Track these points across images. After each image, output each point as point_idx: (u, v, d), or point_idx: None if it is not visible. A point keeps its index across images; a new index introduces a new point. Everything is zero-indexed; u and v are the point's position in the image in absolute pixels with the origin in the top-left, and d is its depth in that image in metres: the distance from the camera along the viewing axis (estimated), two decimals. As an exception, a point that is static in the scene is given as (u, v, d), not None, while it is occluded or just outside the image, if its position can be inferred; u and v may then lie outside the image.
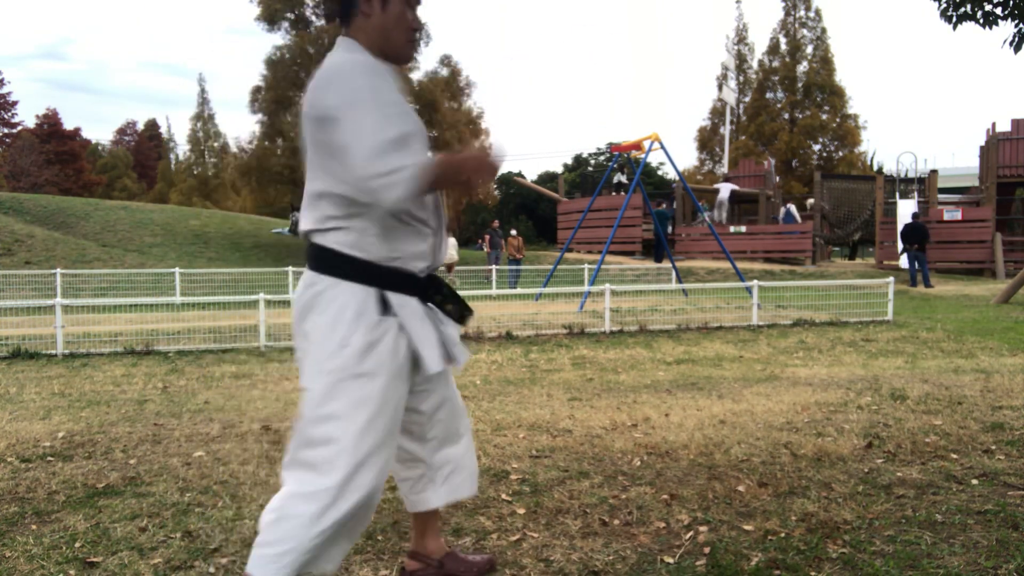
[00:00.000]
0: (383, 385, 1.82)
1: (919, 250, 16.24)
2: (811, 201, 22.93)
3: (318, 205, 1.86)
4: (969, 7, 4.02)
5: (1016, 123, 20.37)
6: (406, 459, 2.13)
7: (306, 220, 1.88)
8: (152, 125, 69.09)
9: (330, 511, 1.76)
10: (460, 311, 2.01)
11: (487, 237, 20.02)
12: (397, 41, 1.92)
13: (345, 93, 1.75)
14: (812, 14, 39.64)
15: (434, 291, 1.96)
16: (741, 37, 43.45)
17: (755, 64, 42.33)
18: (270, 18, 26.75)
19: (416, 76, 28.28)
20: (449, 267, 17.47)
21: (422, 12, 2.03)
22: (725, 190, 22.14)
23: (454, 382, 2.17)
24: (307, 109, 1.79)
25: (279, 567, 1.76)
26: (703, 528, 2.64)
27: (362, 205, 1.79)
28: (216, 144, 56.29)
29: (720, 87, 41.45)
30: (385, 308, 1.84)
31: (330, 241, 1.84)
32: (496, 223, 20.43)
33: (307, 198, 1.88)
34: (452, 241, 17.55)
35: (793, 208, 21.97)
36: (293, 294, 1.91)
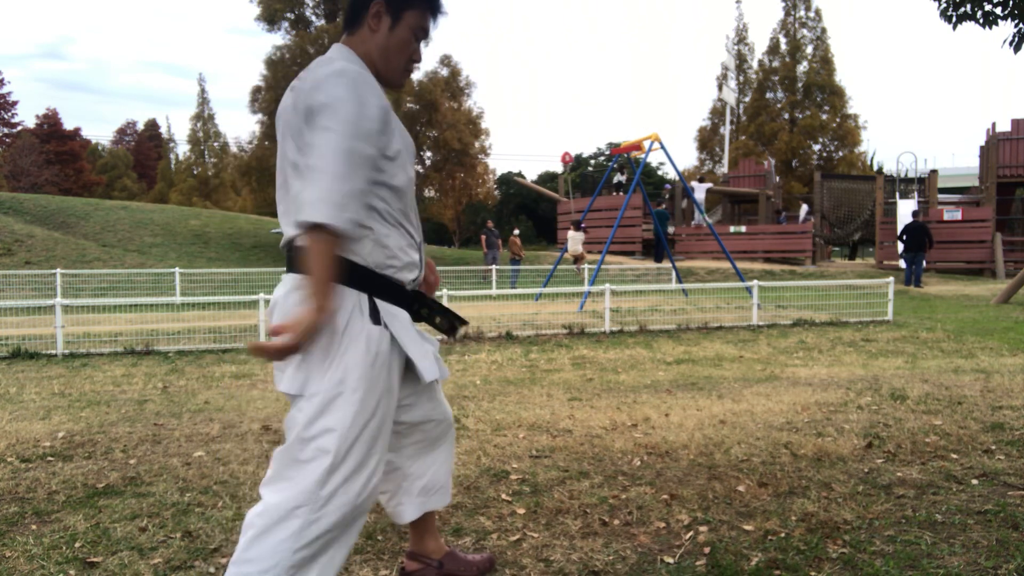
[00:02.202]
0: (376, 396, 1.77)
1: (918, 250, 16.26)
2: (805, 207, 23.03)
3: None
4: (969, 7, 4.02)
5: (1016, 123, 20.38)
6: (386, 470, 2.09)
7: (289, 224, 1.80)
8: (152, 125, 69.12)
9: (314, 525, 1.69)
10: (450, 322, 2.01)
11: (483, 237, 20.05)
12: (394, 65, 1.92)
13: (335, 105, 1.69)
14: (812, 14, 39.62)
15: (420, 304, 1.94)
16: (741, 37, 43.45)
17: (755, 64, 42.33)
18: (270, 18, 26.76)
19: (416, 76, 28.27)
20: (577, 259, 17.28)
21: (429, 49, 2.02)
22: (700, 190, 22.19)
23: (441, 396, 2.15)
24: (306, 104, 1.71)
25: None
26: (703, 528, 2.64)
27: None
28: (216, 144, 56.34)
29: (720, 87, 41.44)
30: (375, 317, 1.78)
31: None
32: (491, 223, 20.43)
33: (285, 198, 1.82)
34: (580, 235, 17.29)
35: (806, 208, 22.23)
36: (274, 295, 1.85)
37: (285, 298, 1.79)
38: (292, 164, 1.76)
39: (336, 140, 1.64)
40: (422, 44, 1.95)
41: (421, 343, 1.89)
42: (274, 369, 1.84)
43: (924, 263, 17.12)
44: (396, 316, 1.82)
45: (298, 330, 1.60)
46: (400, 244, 1.85)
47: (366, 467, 1.76)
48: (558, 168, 31.91)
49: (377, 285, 1.80)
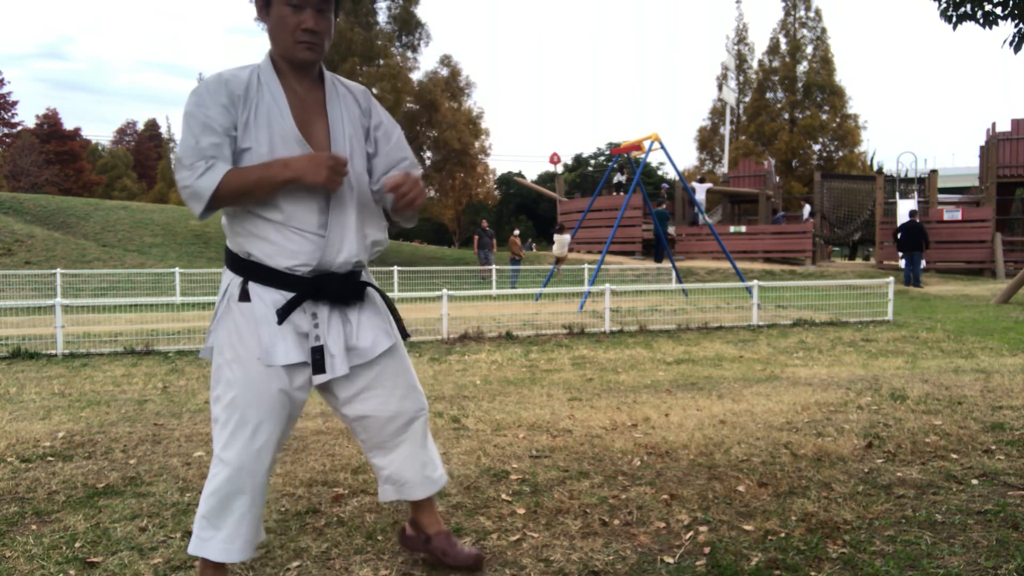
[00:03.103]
0: (243, 367, 1.95)
1: (914, 249, 16.28)
2: (807, 207, 23.06)
3: None
4: (969, 7, 4.02)
5: (1016, 123, 20.38)
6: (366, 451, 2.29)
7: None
8: (152, 125, 69.13)
9: (212, 480, 1.99)
10: (348, 300, 2.06)
11: (476, 237, 20.08)
12: (283, 43, 1.98)
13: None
14: (812, 14, 39.64)
15: (318, 291, 1.99)
16: (741, 37, 43.46)
17: (755, 64, 42.34)
18: (270, 18, 26.71)
19: (416, 76, 28.30)
20: (559, 260, 18.02)
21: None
22: (700, 190, 22.23)
23: (406, 401, 2.17)
24: None
25: (193, 535, 2.03)
26: (703, 528, 2.64)
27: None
28: (216, 144, 56.29)
29: (720, 87, 41.44)
30: (245, 297, 1.98)
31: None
32: (485, 223, 20.45)
33: None
34: (566, 238, 18.11)
35: (808, 207, 22.30)
36: None
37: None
38: None
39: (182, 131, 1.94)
40: (308, 11, 1.93)
41: (277, 328, 1.96)
42: None
43: (924, 263, 17.13)
44: (261, 296, 1.98)
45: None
46: (266, 234, 1.97)
47: (243, 431, 1.96)
48: (558, 168, 31.89)
49: (249, 270, 1.99)
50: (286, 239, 1.97)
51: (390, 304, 2.23)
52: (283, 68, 2.02)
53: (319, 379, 2.02)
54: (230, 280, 2.02)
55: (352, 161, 2.03)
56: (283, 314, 1.96)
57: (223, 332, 1.99)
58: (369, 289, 2.14)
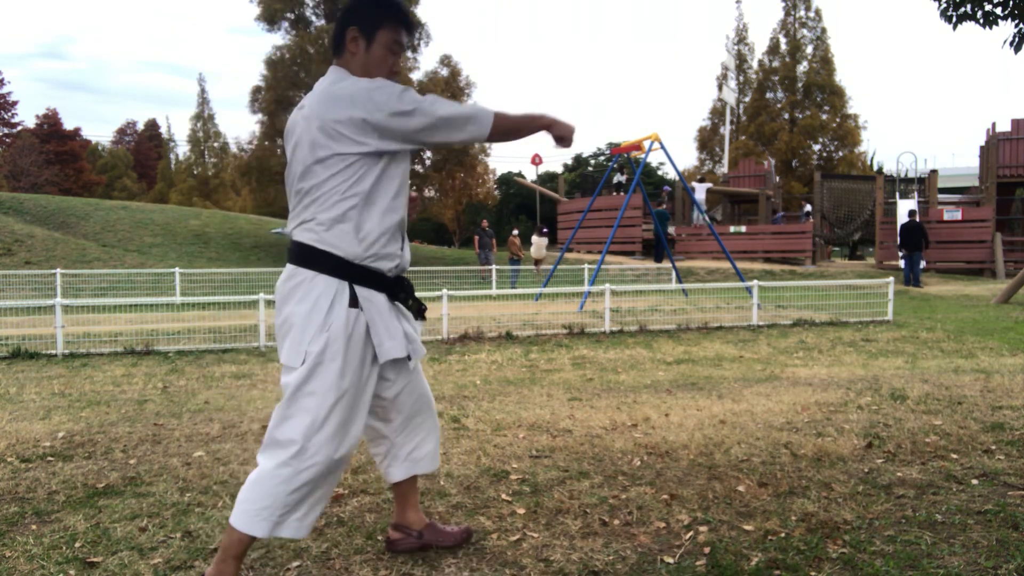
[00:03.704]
0: (355, 369, 2.10)
1: (914, 249, 16.28)
2: (808, 207, 23.08)
3: (305, 204, 2.12)
4: (969, 7, 4.01)
5: (1016, 123, 20.37)
6: (375, 437, 2.42)
7: (292, 219, 2.17)
8: (152, 125, 69.14)
9: (301, 474, 2.05)
10: (419, 305, 2.29)
11: (476, 238, 20.11)
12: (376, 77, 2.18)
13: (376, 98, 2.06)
14: (812, 14, 39.61)
15: (399, 290, 2.21)
16: (741, 37, 43.44)
17: (755, 64, 42.31)
18: (270, 18, 26.76)
19: (416, 76, 28.29)
20: (538, 262, 18.66)
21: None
22: (700, 190, 22.24)
23: (422, 377, 2.41)
24: (324, 114, 2.05)
25: (259, 520, 2.05)
26: (703, 528, 2.64)
27: (345, 206, 2.07)
28: (216, 144, 56.32)
29: (720, 87, 41.44)
30: (354, 301, 2.10)
31: (309, 238, 2.10)
32: (485, 223, 20.48)
33: (295, 197, 2.16)
34: (544, 241, 18.83)
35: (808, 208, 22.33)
36: (277, 283, 2.20)
37: (283, 285, 2.15)
38: (307, 166, 2.08)
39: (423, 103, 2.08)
40: (399, 56, 2.23)
41: (389, 325, 2.16)
42: (277, 343, 2.18)
43: (923, 263, 17.13)
44: (371, 300, 2.13)
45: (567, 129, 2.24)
46: (378, 238, 2.13)
47: (343, 427, 2.09)
48: (558, 168, 31.92)
49: (356, 273, 2.11)
50: (395, 241, 2.18)
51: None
52: None
53: (409, 364, 2.29)
54: (333, 285, 2.08)
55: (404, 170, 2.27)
56: (397, 313, 2.20)
57: (329, 336, 2.05)
58: None
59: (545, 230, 19.52)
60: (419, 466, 2.42)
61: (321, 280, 2.08)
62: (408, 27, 2.22)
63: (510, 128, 2.17)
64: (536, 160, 28.89)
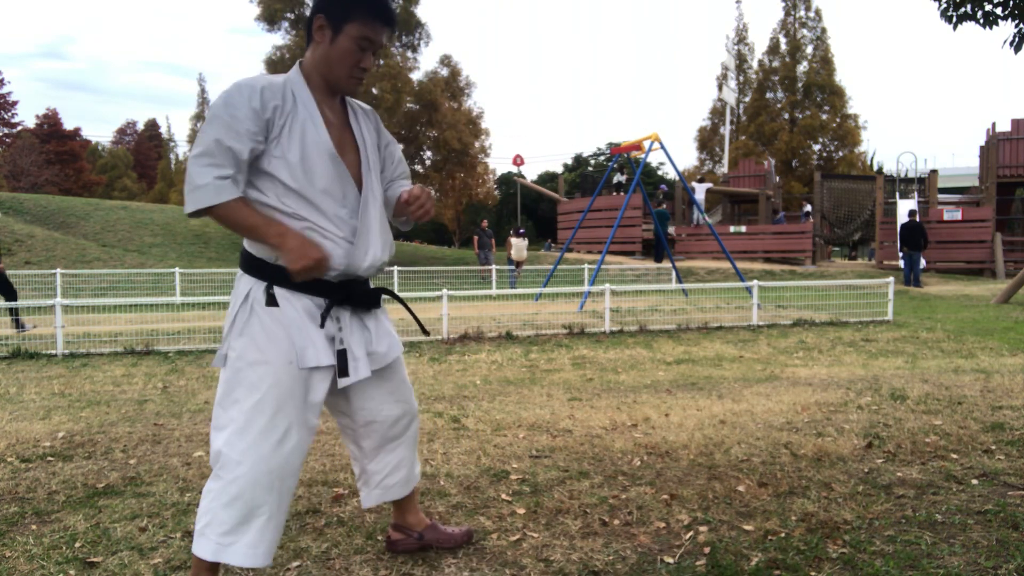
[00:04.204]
0: (273, 370, 1.94)
1: (914, 249, 16.28)
2: (808, 207, 23.10)
3: None
4: (969, 7, 4.01)
5: (1016, 123, 20.37)
6: (353, 456, 2.36)
7: None
8: (152, 125, 69.17)
9: (230, 486, 1.92)
10: (372, 296, 2.14)
11: (475, 238, 20.12)
12: (337, 73, 2.06)
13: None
14: (812, 14, 39.61)
15: (346, 297, 2.06)
16: (741, 37, 43.45)
17: (755, 64, 42.31)
18: (270, 18, 26.75)
19: (416, 76, 28.30)
20: (518, 264, 18.51)
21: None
22: (700, 190, 22.25)
23: (405, 398, 2.29)
24: None
25: (205, 540, 1.95)
26: (703, 528, 2.64)
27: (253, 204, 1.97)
28: (216, 144, 56.27)
29: (720, 87, 41.44)
30: (271, 300, 1.98)
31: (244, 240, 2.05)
32: (485, 223, 20.49)
33: None
34: (523, 242, 18.66)
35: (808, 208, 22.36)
36: None
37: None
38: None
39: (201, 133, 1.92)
40: (371, 53, 2.06)
41: (309, 332, 1.99)
42: None
43: (923, 263, 17.12)
44: (291, 302, 1.99)
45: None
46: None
47: (267, 434, 1.94)
48: (558, 168, 31.90)
49: (274, 274, 1.98)
50: (328, 242, 2.02)
51: (407, 305, 2.36)
52: (317, 86, 2.08)
53: (344, 382, 2.06)
54: (251, 285, 2.00)
55: (371, 174, 2.14)
56: (324, 318, 2.01)
57: (246, 338, 1.96)
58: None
59: (522, 231, 19.32)
60: (390, 493, 2.34)
61: (244, 280, 2.02)
62: (387, 22, 2.04)
63: (233, 224, 1.93)
64: (517, 161, 28.86)
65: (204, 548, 1.95)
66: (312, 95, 2.04)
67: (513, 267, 18.29)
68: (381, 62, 25.63)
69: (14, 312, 9.07)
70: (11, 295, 9.30)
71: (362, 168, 2.12)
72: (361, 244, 2.07)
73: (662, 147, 13.09)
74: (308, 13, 2.05)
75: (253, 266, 2.01)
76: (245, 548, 1.95)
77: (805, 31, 39.74)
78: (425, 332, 2.44)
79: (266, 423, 1.94)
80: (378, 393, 2.21)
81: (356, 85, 2.10)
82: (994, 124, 20.92)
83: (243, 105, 1.90)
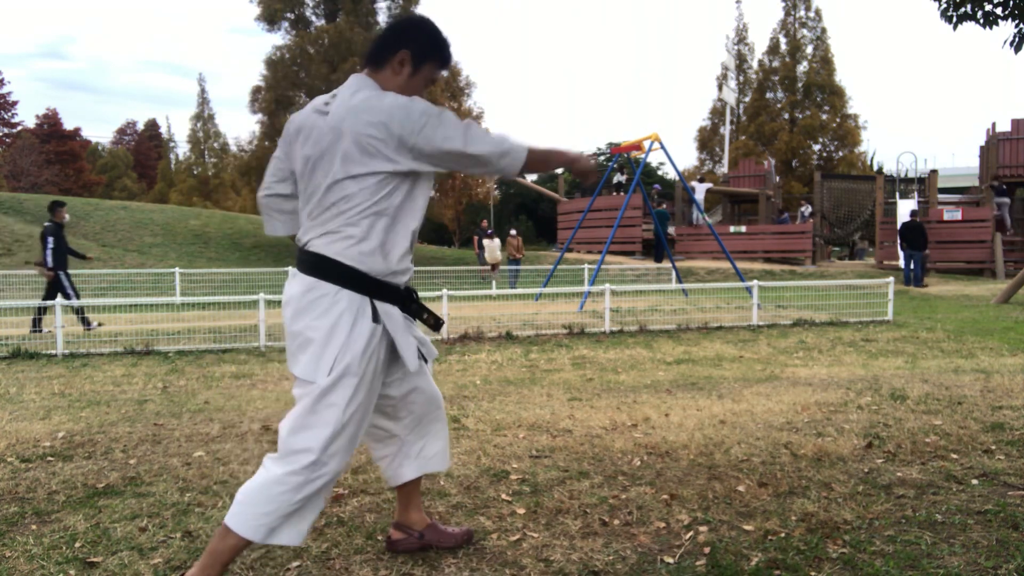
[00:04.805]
0: (369, 382, 2.13)
1: (914, 249, 16.29)
2: (807, 208, 23.10)
3: (330, 215, 2.09)
4: (969, 7, 4.02)
5: (1016, 123, 20.36)
6: (383, 437, 2.42)
7: (311, 228, 2.14)
8: (152, 125, 69.13)
9: (313, 482, 2.05)
10: (435, 320, 2.35)
11: (476, 238, 20.11)
12: None
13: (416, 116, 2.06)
14: (812, 14, 39.59)
15: (410, 300, 2.26)
16: (741, 37, 43.43)
17: (755, 64, 42.29)
18: (270, 18, 26.76)
19: (416, 76, 28.24)
20: (493, 266, 18.43)
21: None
22: (700, 190, 22.24)
23: (431, 380, 2.44)
24: (359, 129, 2.02)
25: (258, 525, 2.04)
26: (703, 528, 2.64)
27: (372, 222, 2.08)
28: (216, 144, 56.30)
29: (720, 87, 41.41)
30: (376, 316, 2.12)
31: (333, 251, 2.08)
32: (485, 223, 20.49)
33: (317, 208, 2.11)
34: (496, 243, 18.57)
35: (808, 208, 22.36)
36: (287, 291, 2.18)
37: (301, 297, 2.11)
38: (336, 180, 2.05)
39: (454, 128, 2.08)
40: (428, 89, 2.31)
41: (408, 336, 2.21)
42: (287, 355, 2.16)
43: (924, 263, 17.12)
44: (390, 315, 2.16)
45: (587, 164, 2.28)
46: (401, 254, 2.16)
47: (355, 439, 2.14)
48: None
49: (377, 289, 2.13)
50: (407, 256, 2.20)
51: (424, 306, 2.48)
52: None
53: (422, 366, 2.32)
54: (349, 298, 2.08)
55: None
56: (408, 323, 2.24)
57: (350, 351, 2.06)
58: None
59: (491, 231, 19.11)
60: (430, 464, 2.43)
61: (345, 295, 2.07)
62: (446, 67, 2.32)
63: (539, 163, 2.22)
64: None
65: (258, 532, 2.04)
66: None
67: (516, 266, 18.28)
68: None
69: (80, 311, 9.27)
70: (56, 296, 9.36)
71: None
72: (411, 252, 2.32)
73: (662, 147, 13.09)
74: (383, 41, 2.22)
75: (357, 281, 2.09)
76: (291, 528, 2.08)
77: (805, 31, 39.74)
78: (440, 324, 2.51)
79: (355, 431, 2.12)
80: (419, 374, 2.37)
81: None
82: (994, 124, 20.93)
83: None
